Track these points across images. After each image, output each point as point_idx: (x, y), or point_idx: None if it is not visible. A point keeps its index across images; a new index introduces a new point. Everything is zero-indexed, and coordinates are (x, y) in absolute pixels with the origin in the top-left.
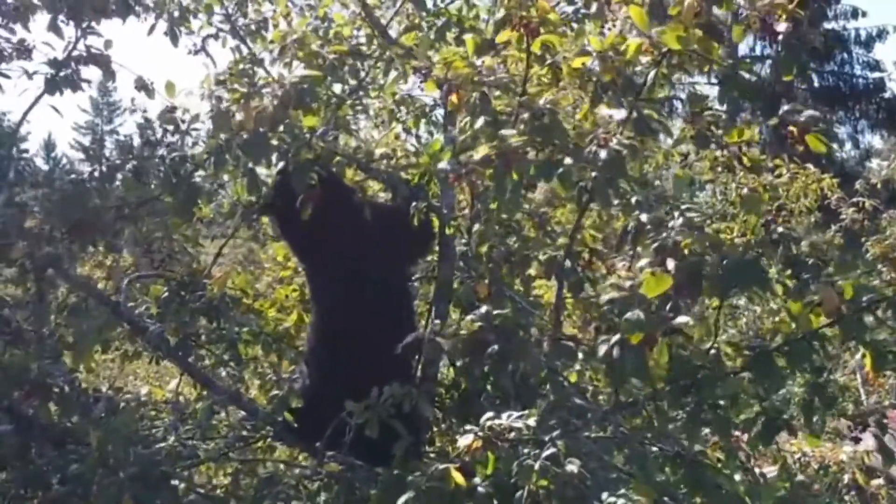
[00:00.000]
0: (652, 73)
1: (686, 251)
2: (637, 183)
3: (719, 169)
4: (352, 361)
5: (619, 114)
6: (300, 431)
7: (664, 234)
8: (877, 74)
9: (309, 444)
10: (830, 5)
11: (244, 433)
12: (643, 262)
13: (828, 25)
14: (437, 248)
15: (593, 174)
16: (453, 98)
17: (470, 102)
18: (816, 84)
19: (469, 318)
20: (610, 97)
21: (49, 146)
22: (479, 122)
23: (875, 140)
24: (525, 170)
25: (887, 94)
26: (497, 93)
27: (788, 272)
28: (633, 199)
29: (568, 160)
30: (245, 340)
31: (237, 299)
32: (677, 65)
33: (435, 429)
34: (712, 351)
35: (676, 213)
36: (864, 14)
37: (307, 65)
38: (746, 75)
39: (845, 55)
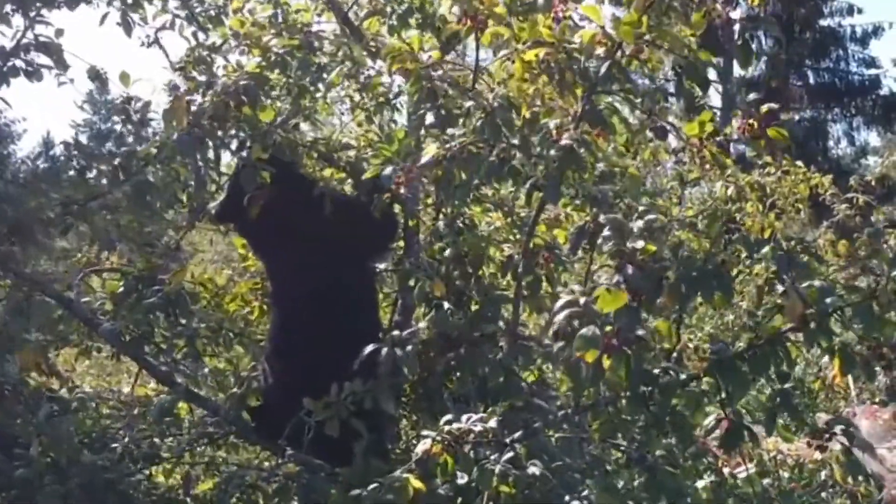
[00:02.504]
0: (606, 65)
1: (647, 257)
2: (599, 179)
3: (707, 166)
4: (312, 357)
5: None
6: (260, 430)
7: (621, 239)
8: (872, 71)
9: (270, 442)
10: (826, 2)
11: (207, 429)
12: (600, 269)
13: (823, 22)
14: (402, 239)
15: (541, 169)
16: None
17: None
18: (812, 81)
19: (422, 325)
20: (560, 87)
21: (48, 144)
22: (429, 118)
23: (871, 137)
24: (475, 169)
25: (883, 91)
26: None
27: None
28: (589, 195)
29: (519, 156)
30: (204, 336)
31: (196, 294)
32: (633, 54)
33: (405, 422)
34: (674, 355)
35: (635, 216)
36: (859, 11)
37: (260, 58)
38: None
39: (841, 52)
